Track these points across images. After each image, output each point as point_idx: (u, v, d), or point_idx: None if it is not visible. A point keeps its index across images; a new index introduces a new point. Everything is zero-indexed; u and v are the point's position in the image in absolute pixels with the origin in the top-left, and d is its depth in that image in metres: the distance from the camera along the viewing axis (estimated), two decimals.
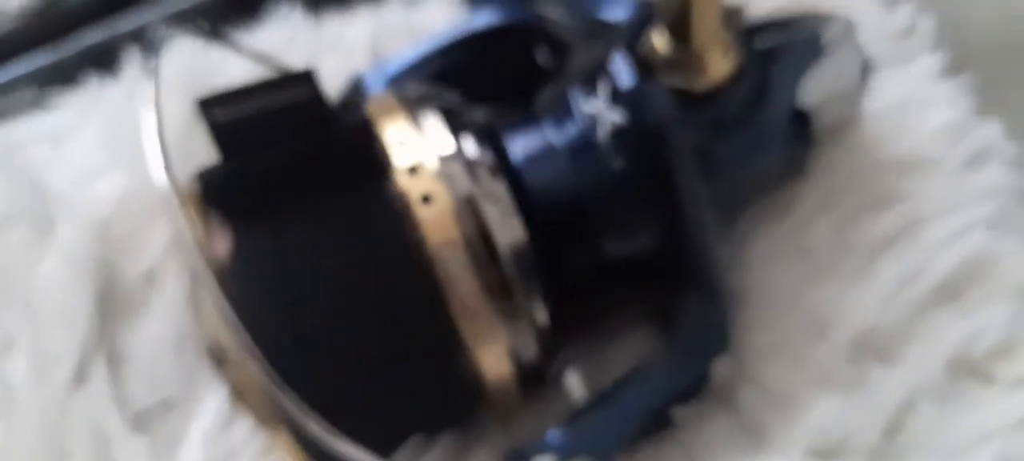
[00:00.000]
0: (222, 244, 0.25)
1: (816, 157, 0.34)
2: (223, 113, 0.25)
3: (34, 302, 0.32)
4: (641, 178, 0.27)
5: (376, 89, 0.34)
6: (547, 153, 0.28)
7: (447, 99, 0.29)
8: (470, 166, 0.26)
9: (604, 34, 0.30)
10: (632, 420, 0.27)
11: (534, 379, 0.27)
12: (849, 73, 0.32)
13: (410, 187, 0.25)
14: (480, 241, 0.25)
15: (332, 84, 0.34)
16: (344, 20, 0.40)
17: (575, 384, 0.29)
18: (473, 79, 0.32)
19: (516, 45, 0.33)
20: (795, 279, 0.32)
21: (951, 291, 0.32)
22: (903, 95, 0.37)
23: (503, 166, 0.27)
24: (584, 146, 0.27)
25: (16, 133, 0.38)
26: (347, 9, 0.40)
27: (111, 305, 0.33)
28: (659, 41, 0.28)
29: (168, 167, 0.23)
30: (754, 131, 0.29)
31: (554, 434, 0.27)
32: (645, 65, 0.27)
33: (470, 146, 0.27)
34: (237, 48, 0.30)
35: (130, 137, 0.32)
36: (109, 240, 0.34)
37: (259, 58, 0.31)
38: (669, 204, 0.27)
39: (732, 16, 0.32)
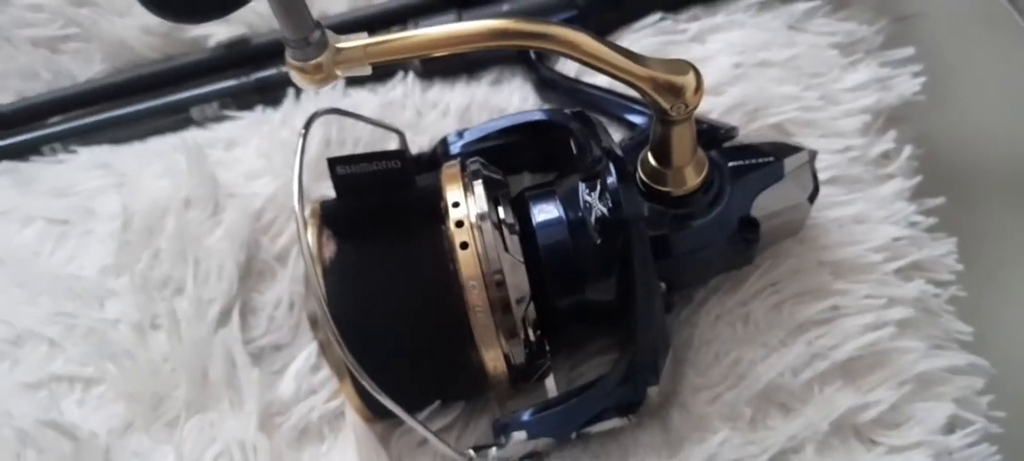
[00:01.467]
0: (328, 250, 0.38)
1: (775, 248, 0.45)
2: (342, 168, 0.38)
3: (201, 262, 0.47)
4: (612, 252, 0.38)
5: (455, 147, 0.47)
6: (556, 223, 0.40)
7: (493, 171, 0.41)
8: (498, 225, 0.38)
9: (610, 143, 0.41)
10: (584, 416, 0.39)
11: (523, 377, 0.39)
12: (798, 196, 0.42)
13: (455, 235, 0.37)
14: (495, 279, 0.37)
15: (431, 134, 0.48)
16: (446, 88, 0.53)
17: (551, 385, 0.41)
18: (521, 153, 0.45)
19: (556, 135, 0.45)
20: (732, 339, 0.43)
21: (852, 372, 0.42)
22: (863, 211, 0.47)
23: (524, 227, 0.39)
24: (580, 224, 0.39)
25: (203, 136, 0.53)
26: (450, 80, 0.53)
27: (250, 272, 0.47)
28: (651, 157, 0.40)
29: (300, 193, 0.36)
30: (707, 229, 0.40)
31: (527, 415, 0.39)
32: (628, 172, 0.39)
33: (502, 210, 0.39)
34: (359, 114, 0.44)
35: (281, 153, 0.47)
36: (257, 226, 0.48)
37: (374, 121, 0.45)
38: (627, 273, 0.38)
39: (716, 135, 0.44)
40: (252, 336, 0.46)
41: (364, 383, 0.35)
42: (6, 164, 0.54)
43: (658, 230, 0.40)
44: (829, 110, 0.51)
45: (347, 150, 0.50)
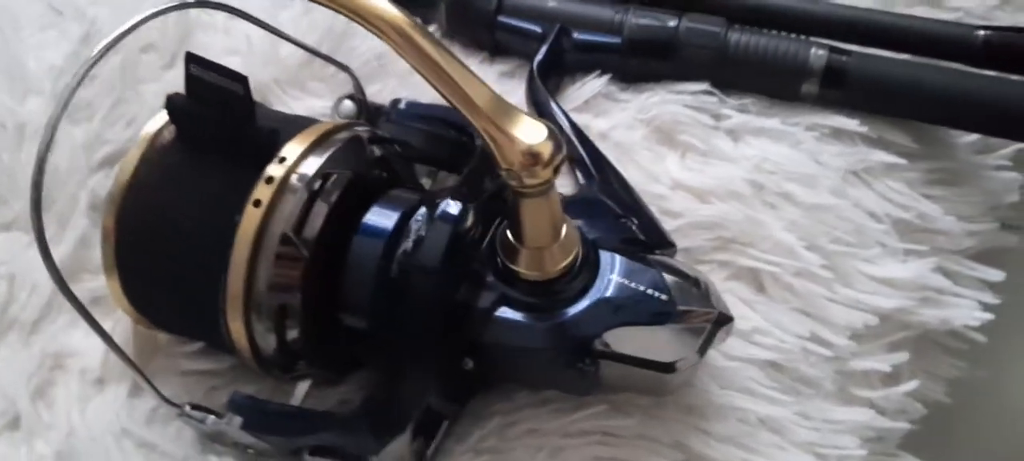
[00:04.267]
0: (159, 142, 0.36)
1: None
2: (196, 68, 0.35)
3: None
4: (402, 294, 0.33)
5: (394, 114, 0.43)
6: (378, 234, 0.34)
7: (389, 151, 0.37)
8: (310, 200, 0.33)
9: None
10: (301, 437, 0.34)
11: (280, 368, 0.35)
12: (669, 354, 0.33)
13: (258, 189, 0.33)
14: (271, 254, 0.33)
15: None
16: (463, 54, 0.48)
17: (299, 391, 0.36)
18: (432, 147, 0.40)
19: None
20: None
21: None
22: (783, 416, 0.37)
23: (351, 221, 0.35)
24: (393, 247, 0.34)
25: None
26: (473, 51, 0.49)
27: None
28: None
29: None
30: (528, 332, 0.33)
31: (250, 403, 0.35)
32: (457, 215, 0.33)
33: (331, 187, 0.34)
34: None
35: None
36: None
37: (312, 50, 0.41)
38: (400, 318, 0.32)
39: (647, 240, 0.36)
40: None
41: (75, 308, 0.32)
42: None
43: (472, 299, 0.33)
44: (830, 288, 0.40)
45: None
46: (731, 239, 0.40)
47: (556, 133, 0.29)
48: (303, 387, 0.36)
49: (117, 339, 0.39)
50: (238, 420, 0.35)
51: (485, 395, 0.37)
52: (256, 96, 0.35)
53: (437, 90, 0.29)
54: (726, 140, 0.44)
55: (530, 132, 0.29)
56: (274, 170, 0.34)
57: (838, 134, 0.44)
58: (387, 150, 0.38)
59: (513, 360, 0.35)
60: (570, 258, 0.33)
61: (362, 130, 0.38)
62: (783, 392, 0.38)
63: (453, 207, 0.33)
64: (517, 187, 0.30)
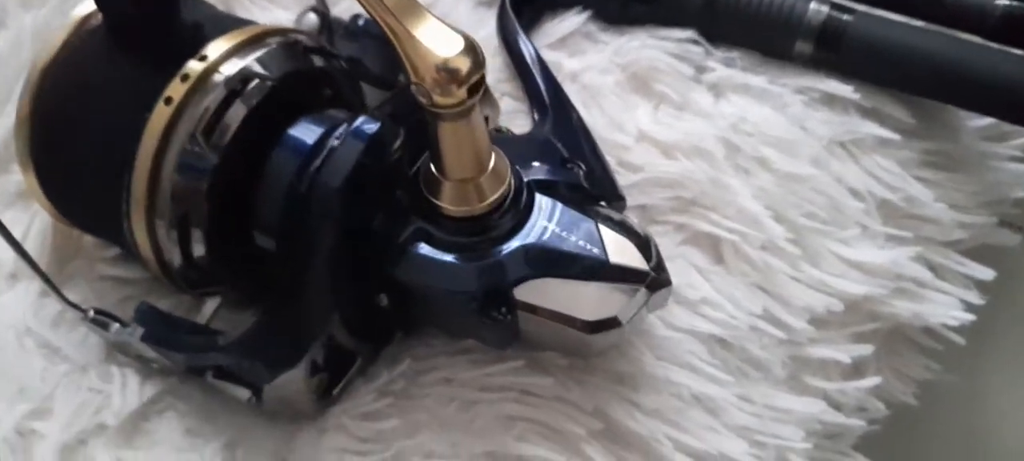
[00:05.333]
0: (87, 25, 0.34)
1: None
2: None
3: None
4: (300, 209, 0.30)
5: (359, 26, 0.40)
6: (297, 150, 0.32)
7: (333, 63, 0.34)
8: (225, 102, 0.31)
9: None
10: (196, 356, 0.33)
11: (189, 282, 0.33)
12: (594, 312, 0.30)
13: (172, 86, 0.31)
14: (176, 159, 0.31)
15: None
16: None
17: (206, 309, 0.34)
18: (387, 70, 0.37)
19: None
20: (435, 412, 0.33)
21: None
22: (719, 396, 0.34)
23: (274, 132, 0.32)
24: (306, 165, 0.31)
25: None
26: None
27: None
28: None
29: None
30: (438, 271, 0.31)
31: (151, 314, 0.33)
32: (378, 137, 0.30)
33: (244, 95, 0.31)
34: None
35: None
36: None
37: None
38: (300, 239, 0.30)
39: (598, 192, 0.33)
40: None
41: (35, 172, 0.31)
42: None
43: (389, 230, 0.31)
44: (794, 265, 0.37)
45: None
46: (692, 200, 0.37)
47: (475, 47, 0.26)
48: (211, 305, 0.34)
49: (35, 235, 0.38)
50: (140, 331, 0.33)
51: (404, 338, 0.35)
52: (221, 4, 0.32)
53: None
54: (705, 95, 0.40)
55: (444, 43, 0.26)
56: (192, 67, 0.31)
57: (829, 100, 0.40)
58: (332, 65, 0.35)
59: (428, 301, 0.32)
60: (496, 195, 0.30)
61: (302, 37, 0.35)
62: (725, 371, 0.35)
63: (369, 125, 0.30)
64: (429, 106, 0.27)
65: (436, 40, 0.26)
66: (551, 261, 0.31)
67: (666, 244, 0.36)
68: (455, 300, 0.31)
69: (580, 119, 0.37)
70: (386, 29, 0.26)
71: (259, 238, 0.33)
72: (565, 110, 0.37)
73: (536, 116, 0.38)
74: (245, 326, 0.35)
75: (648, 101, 0.40)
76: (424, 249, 0.31)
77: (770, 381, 0.36)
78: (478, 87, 0.26)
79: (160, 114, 0.31)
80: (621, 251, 0.31)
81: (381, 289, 0.32)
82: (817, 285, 0.37)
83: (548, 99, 0.37)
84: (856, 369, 0.37)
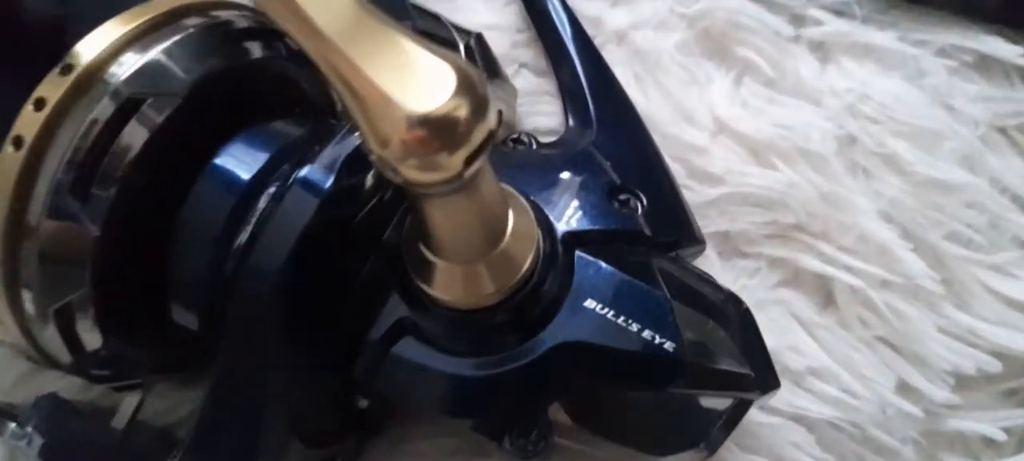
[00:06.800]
0: None
1: None
2: None
3: None
4: (229, 301, 0.20)
5: None
6: (217, 186, 0.21)
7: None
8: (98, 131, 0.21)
9: None
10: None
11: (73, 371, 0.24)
12: None
13: (49, 80, 0.21)
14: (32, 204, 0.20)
15: None
16: None
17: (127, 407, 0.25)
18: None
19: None
20: None
21: None
22: None
23: (165, 146, 0.22)
24: (238, 213, 0.21)
25: None
26: None
27: None
28: None
29: None
30: (441, 383, 0.21)
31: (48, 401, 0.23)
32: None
33: (143, 115, 0.21)
34: None
35: None
36: None
37: None
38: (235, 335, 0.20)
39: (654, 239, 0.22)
40: None
41: None
42: None
43: (361, 320, 0.21)
44: (936, 310, 0.26)
45: None
46: (795, 226, 0.26)
47: (474, 80, 0.15)
48: (130, 404, 0.25)
49: None
50: (38, 442, 0.23)
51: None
52: None
53: None
54: (809, 59, 0.29)
55: (424, 81, 0.15)
56: (49, 88, 0.21)
57: (984, 66, 0.28)
58: (278, 53, 0.24)
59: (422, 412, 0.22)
60: (516, 277, 0.20)
61: (235, 16, 0.24)
62: None
63: (322, 175, 0.20)
64: (397, 181, 0.17)
65: (408, 77, 0.15)
66: (602, 366, 0.21)
67: (756, 288, 0.26)
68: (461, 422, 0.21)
69: (636, 116, 0.26)
70: (317, 61, 0.15)
71: (177, 313, 0.23)
72: (613, 102, 0.26)
73: (570, 118, 0.26)
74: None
75: (727, 71, 0.29)
76: (410, 350, 0.21)
77: None
78: (482, 151, 0.16)
79: (9, 161, 0.20)
80: (706, 341, 0.21)
81: (357, 392, 0.22)
82: (965, 336, 0.26)
83: (587, 86, 0.26)
84: (1005, 445, 0.27)
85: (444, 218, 0.18)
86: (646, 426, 0.22)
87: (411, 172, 0.15)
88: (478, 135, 0.15)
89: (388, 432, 0.25)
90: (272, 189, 0.21)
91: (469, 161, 0.15)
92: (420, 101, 0.15)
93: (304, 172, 0.20)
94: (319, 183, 0.20)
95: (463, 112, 0.15)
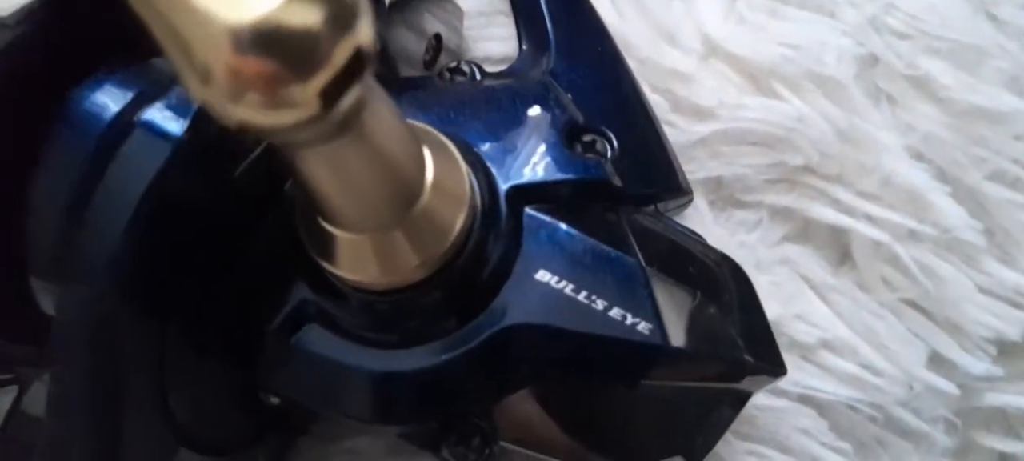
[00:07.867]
0: None
1: None
2: None
3: None
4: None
5: None
6: (77, 127, 0.17)
7: None
8: None
9: None
10: None
11: None
12: None
13: None
14: None
15: None
16: None
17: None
18: None
19: None
20: None
21: None
22: None
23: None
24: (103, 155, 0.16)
25: None
26: None
27: None
28: None
29: None
30: (355, 380, 0.16)
31: None
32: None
33: None
34: None
35: None
36: None
37: None
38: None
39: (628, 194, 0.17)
40: None
41: None
42: None
43: (251, 305, 0.16)
44: (975, 265, 0.22)
45: None
46: (804, 168, 0.22)
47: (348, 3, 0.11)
48: (7, 398, 0.21)
49: None
50: None
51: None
52: None
53: None
54: None
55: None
56: None
57: None
58: None
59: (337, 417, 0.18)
60: (447, 243, 0.15)
61: None
62: (859, 454, 0.21)
63: (163, 114, 0.15)
64: (236, 130, 0.12)
65: None
66: (558, 354, 0.16)
67: (756, 245, 0.22)
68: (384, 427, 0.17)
69: (606, 37, 0.21)
70: None
71: (39, 295, 0.18)
72: (577, 20, 0.21)
73: (523, 40, 0.21)
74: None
75: None
76: (317, 342, 0.17)
77: (928, 452, 0.22)
78: (353, 75, 0.11)
79: None
80: (692, 322, 0.16)
81: (261, 390, 0.18)
82: (1011, 296, 0.22)
83: (545, 3, 0.21)
84: None
85: (330, 175, 0.13)
86: (620, 428, 0.18)
87: (250, 114, 0.11)
88: (341, 53, 0.11)
89: (318, 430, 0.21)
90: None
91: (331, 93, 0.11)
92: (246, 5, 0.10)
93: (147, 114, 0.15)
94: (165, 127, 0.15)
95: (313, 18, 0.10)
